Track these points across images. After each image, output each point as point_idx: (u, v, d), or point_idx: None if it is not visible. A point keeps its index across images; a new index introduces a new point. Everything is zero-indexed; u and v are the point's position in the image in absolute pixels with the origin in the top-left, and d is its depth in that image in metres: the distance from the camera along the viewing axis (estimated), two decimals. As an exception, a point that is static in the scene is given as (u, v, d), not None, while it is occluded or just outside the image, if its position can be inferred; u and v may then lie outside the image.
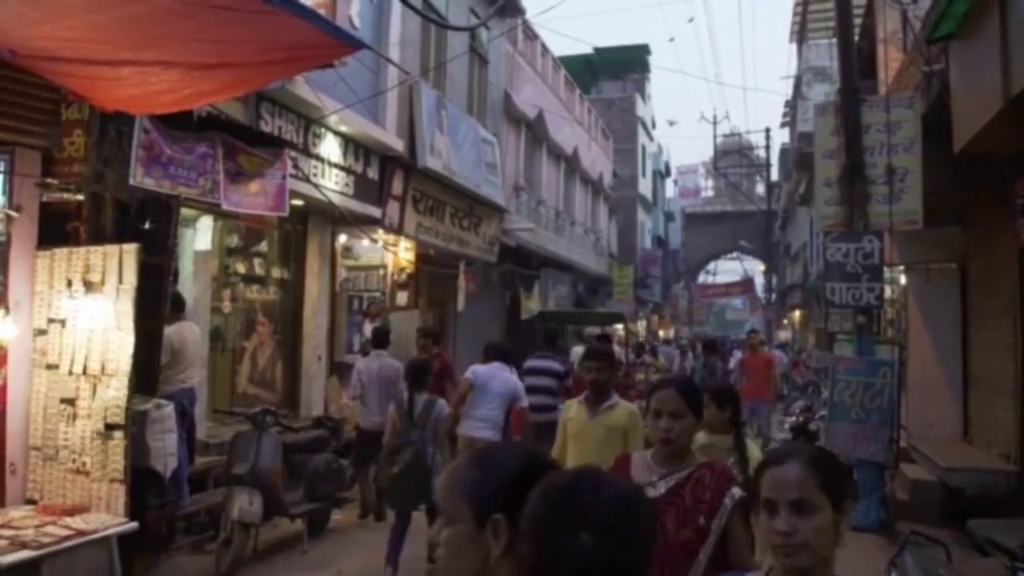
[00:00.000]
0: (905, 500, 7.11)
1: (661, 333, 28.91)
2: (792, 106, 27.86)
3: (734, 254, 43.53)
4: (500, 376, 6.44)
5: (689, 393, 2.38)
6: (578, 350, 11.59)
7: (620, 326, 16.26)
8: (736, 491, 2.25)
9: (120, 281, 4.65)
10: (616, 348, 12.02)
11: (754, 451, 3.30)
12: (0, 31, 3.90)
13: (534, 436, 7.05)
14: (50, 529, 4.15)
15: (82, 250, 4.84)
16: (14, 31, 3.89)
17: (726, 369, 10.82)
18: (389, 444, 5.46)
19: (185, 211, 6.49)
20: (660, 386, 2.43)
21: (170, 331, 5.59)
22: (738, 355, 14.00)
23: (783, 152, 31.71)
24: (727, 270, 45.54)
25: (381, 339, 7.54)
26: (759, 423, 10.73)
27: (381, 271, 10.60)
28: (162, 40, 3.84)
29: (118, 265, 4.67)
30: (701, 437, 3.18)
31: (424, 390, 5.61)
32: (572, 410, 3.93)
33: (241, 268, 8.48)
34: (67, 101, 5.02)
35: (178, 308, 6.05)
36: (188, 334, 6.17)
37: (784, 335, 29.89)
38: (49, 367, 4.83)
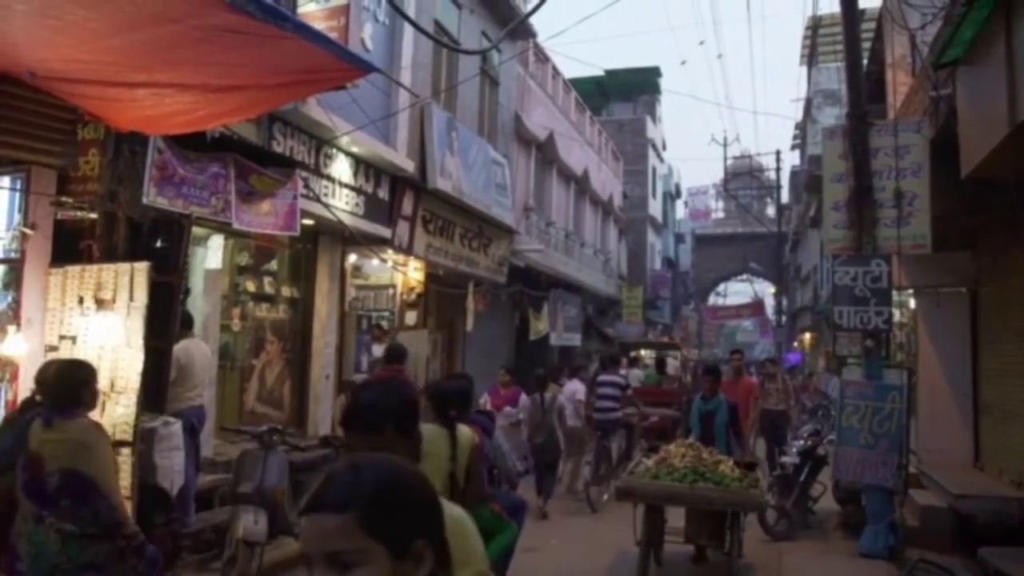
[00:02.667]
0: (915, 527, 7.02)
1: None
2: (802, 129, 27.95)
3: (744, 276, 43.43)
4: (574, 386, 10.06)
5: None
6: (637, 373, 14.44)
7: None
8: None
9: (131, 299, 4.71)
10: (673, 363, 16.32)
11: None
12: (21, 53, 3.99)
13: (600, 431, 9.31)
14: (56, 545, 4.15)
15: (94, 267, 4.91)
16: (34, 53, 3.99)
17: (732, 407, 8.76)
18: (532, 423, 8.55)
19: (196, 230, 6.55)
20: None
21: (177, 348, 5.62)
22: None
23: (793, 174, 31.73)
24: (737, 292, 45.39)
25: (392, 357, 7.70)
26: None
27: (390, 291, 10.66)
28: (177, 63, 3.92)
29: (129, 283, 4.73)
30: None
31: (547, 390, 8.72)
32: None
33: (251, 286, 8.55)
34: (83, 121, 5.12)
35: (186, 325, 6.09)
36: (195, 351, 6.18)
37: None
38: (59, 383, 4.87)
